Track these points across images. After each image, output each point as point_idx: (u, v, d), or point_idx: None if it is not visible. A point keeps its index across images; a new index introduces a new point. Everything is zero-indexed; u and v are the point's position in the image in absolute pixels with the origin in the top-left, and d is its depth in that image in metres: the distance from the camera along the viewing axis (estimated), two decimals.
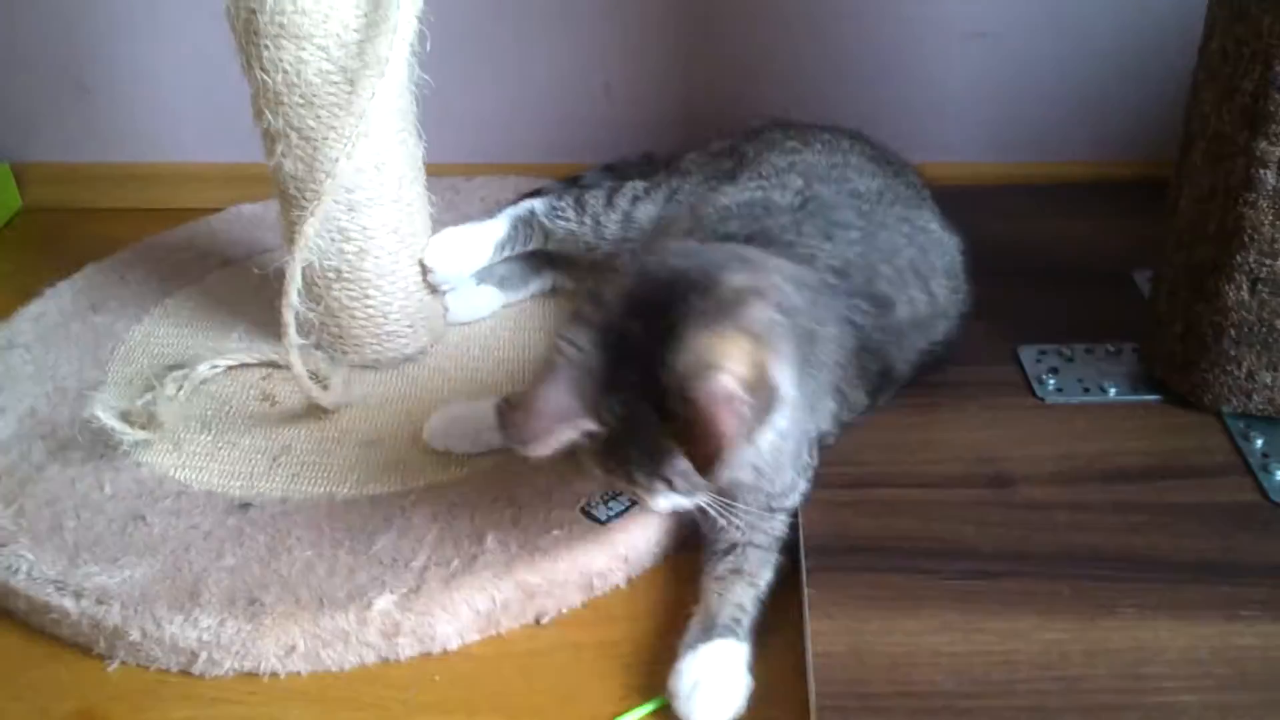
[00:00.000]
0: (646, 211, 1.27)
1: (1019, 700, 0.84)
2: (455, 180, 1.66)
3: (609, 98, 1.69)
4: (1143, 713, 0.82)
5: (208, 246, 1.53)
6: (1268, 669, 0.85)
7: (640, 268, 0.92)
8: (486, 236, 1.29)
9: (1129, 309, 1.25)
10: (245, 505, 1.07)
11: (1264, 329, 1.06)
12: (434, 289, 1.27)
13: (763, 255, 0.99)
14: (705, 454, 0.80)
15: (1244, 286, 1.05)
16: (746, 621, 0.93)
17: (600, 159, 1.56)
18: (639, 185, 1.30)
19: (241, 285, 1.39)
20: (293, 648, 0.94)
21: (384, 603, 0.95)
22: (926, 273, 1.12)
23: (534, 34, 1.65)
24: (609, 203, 1.28)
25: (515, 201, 1.36)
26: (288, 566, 0.99)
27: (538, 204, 1.31)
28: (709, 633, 0.92)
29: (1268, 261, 1.03)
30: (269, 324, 1.19)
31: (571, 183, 1.45)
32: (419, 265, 1.24)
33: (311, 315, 1.13)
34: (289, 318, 1.06)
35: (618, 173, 1.45)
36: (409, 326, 1.26)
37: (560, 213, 1.29)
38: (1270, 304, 1.05)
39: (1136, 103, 1.55)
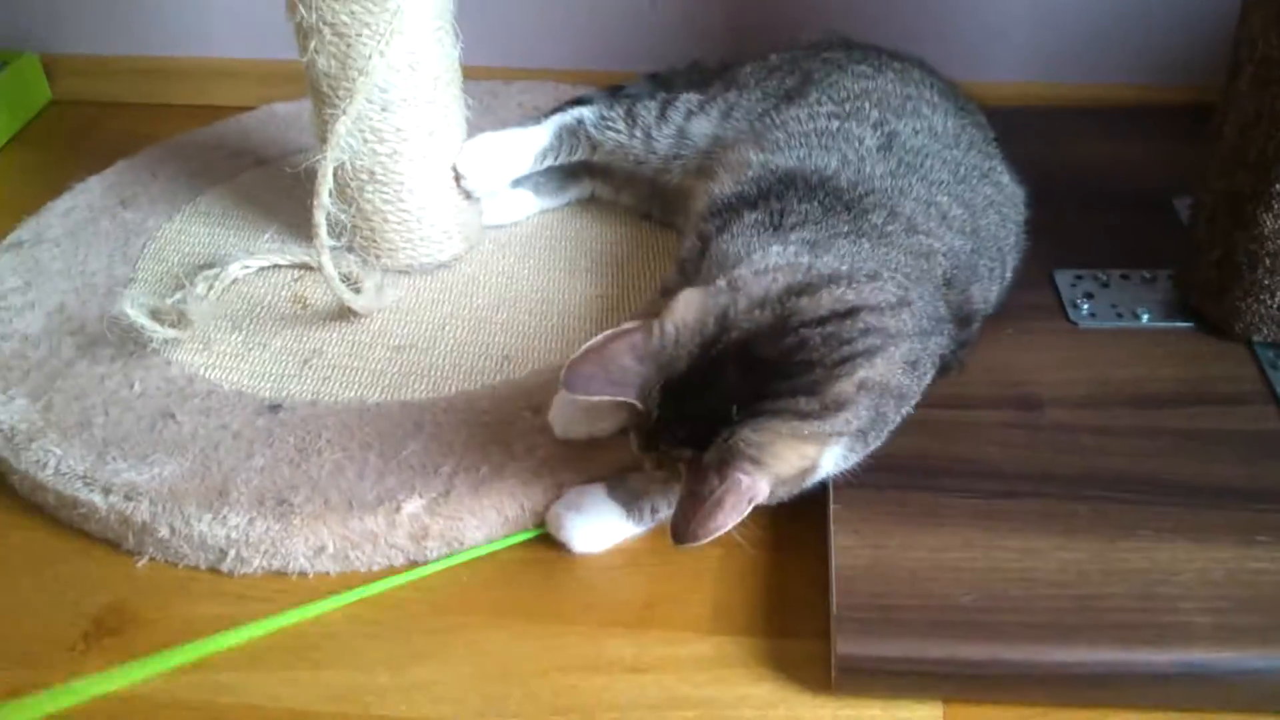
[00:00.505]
0: (701, 127, 1.23)
1: (1036, 616, 0.85)
2: (494, 84, 1.65)
3: (653, 4, 1.66)
4: (1157, 631, 0.84)
5: (240, 145, 1.52)
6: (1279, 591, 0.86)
7: (774, 323, 0.85)
8: (527, 145, 1.27)
9: (1167, 236, 1.24)
10: (275, 406, 1.08)
11: None
12: (467, 195, 1.25)
13: (901, 298, 0.90)
14: (687, 522, 0.81)
15: None
16: None
17: (643, 67, 1.54)
18: (693, 99, 1.25)
19: (275, 185, 1.39)
20: (322, 548, 0.96)
21: (413, 506, 0.96)
22: (1007, 253, 1.09)
23: None
24: (662, 115, 1.25)
25: (557, 110, 1.33)
26: (317, 468, 1.01)
27: (586, 113, 1.28)
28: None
29: None
30: (302, 225, 1.19)
31: (617, 92, 1.42)
32: (452, 171, 1.23)
33: (344, 217, 1.13)
34: (320, 219, 1.07)
35: (664, 83, 1.42)
36: (444, 232, 1.26)
37: (610, 124, 1.26)
38: None
39: (1186, 26, 1.52)
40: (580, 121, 1.27)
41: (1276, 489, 0.95)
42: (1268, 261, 1.07)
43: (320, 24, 1.11)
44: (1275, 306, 1.08)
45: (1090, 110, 1.55)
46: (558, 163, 1.30)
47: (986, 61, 1.55)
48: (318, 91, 1.16)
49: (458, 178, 1.23)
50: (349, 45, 1.11)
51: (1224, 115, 1.10)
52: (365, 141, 1.16)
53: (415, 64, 1.14)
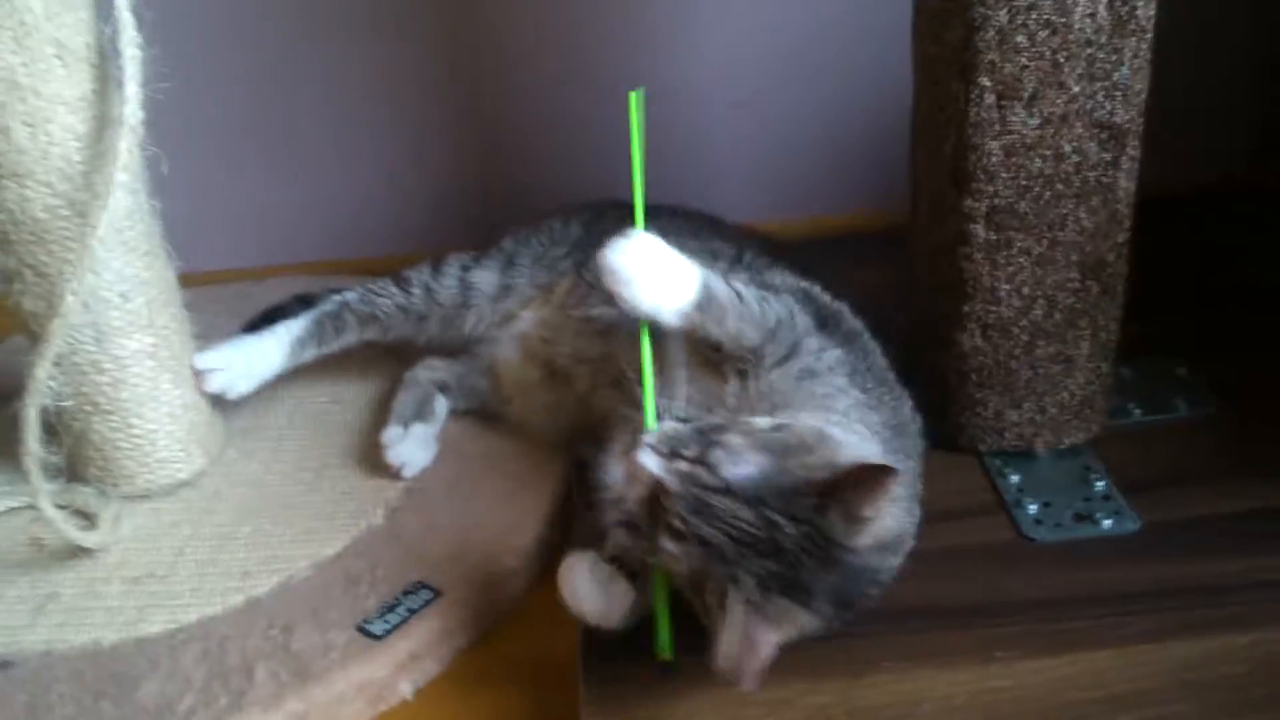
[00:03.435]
0: (485, 278, 1.26)
1: None
2: (244, 285, 1.64)
3: (392, 193, 1.70)
4: None
5: None
6: (1019, 709, 0.88)
7: None
8: (279, 338, 1.26)
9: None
10: (5, 664, 1.02)
11: (1002, 371, 1.12)
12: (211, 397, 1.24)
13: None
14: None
15: (976, 333, 1.11)
16: None
17: (393, 250, 1.61)
18: (463, 256, 1.29)
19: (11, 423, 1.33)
20: None
21: None
22: None
23: (314, 135, 1.65)
24: (436, 271, 1.27)
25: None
26: None
27: (348, 293, 1.28)
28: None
29: (993, 309, 1.09)
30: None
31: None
32: (192, 375, 1.21)
33: (55, 458, 1.09)
34: (30, 466, 1.03)
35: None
36: (180, 451, 1.22)
37: (378, 292, 1.28)
38: (1003, 347, 1.11)
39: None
40: (344, 303, 1.28)
41: (1010, 601, 0.98)
42: (974, 377, 1.13)
43: (21, 266, 1.09)
44: (991, 417, 1.14)
45: (824, 240, 1.63)
46: (323, 352, 1.29)
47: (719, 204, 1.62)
48: (29, 332, 1.13)
49: (199, 379, 1.21)
50: (53, 285, 1.09)
51: (912, 246, 1.17)
52: (84, 373, 1.14)
53: (126, 292, 1.13)
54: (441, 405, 1.29)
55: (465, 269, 1.28)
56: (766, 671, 0.80)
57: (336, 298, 1.29)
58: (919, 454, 1.01)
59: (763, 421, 0.87)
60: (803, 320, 0.99)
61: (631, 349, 0.96)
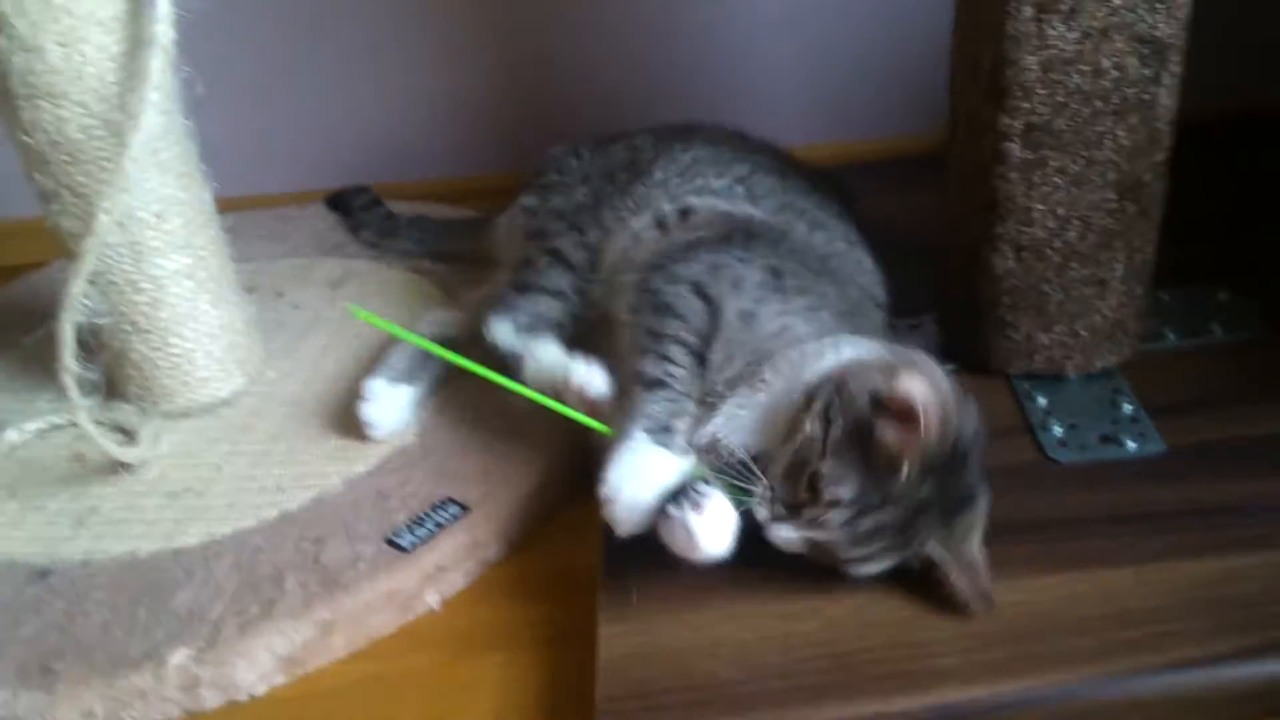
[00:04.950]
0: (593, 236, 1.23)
1: (795, 680, 0.85)
2: (286, 210, 1.67)
3: (431, 116, 1.70)
4: (911, 678, 0.85)
5: (30, 304, 1.51)
6: (1030, 621, 0.88)
7: None
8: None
9: (932, 282, 1.28)
10: (45, 573, 1.06)
11: (1034, 293, 1.10)
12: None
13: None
14: None
15: (1010, 255, 1.09)
16: None
17: (431, 173, 1.64)
18: (560, 240, 1.23)
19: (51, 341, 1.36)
20: (90, 712, 0.94)
21: (179, 658, 0.95)
22: None
23: (352, 56, 1.66)
24: (559, 259, 1.22)
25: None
26: (84, 630, 0.99)
27: (515, 319, 1.17)
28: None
29: (1026, 230, 1.07)
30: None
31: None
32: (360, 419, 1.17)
33: (93, 375, 1.11)
34: (67, 381, 1.06)
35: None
36: (220, 370, 1.25)
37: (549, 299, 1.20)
38: (1036, 269, 1.09)
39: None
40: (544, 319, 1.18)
41: (1029, 520, 0.98)
42: (1006, 300, 1.11)
43: (59, 187, 1.11)
44: (1023, 340, 1.13)
45: (864, 164, 1.61)
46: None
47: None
48: (69, 251, 1.15)
49: (365, 427, 1.17)
50: (90, 205, 1.10)
51: (949, 167, 1.15)
52: (122, 293, 1.16)
53: (160, 213, 1.15)
54: (435, 369, 1.23)
55: (579, 240, 1.23)
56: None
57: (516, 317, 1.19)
58: (877, 324, 1.07)
59: (809, 427, 0.90)
60: (710, 271, 1.02)
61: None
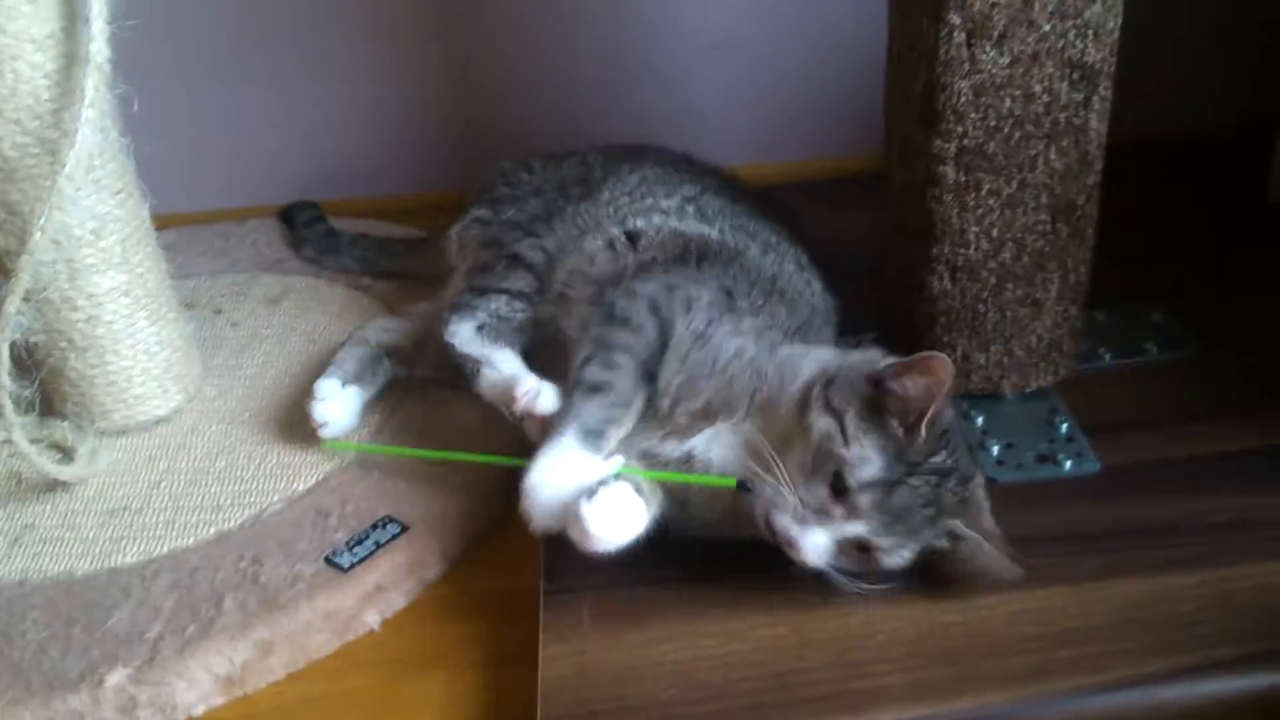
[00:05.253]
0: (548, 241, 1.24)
1: (734, 700, 0.86)
2: (226, 226, 1.66)
3: (373, 134, 1.70)
4: (850, 698, 0.85)
5: None
6: (969, 642, 0.89)
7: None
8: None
9: (874, 301, 1.29)
10: None
11: (970, 314, 1.12)
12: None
13: None
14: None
15: (945, 276, 1.11)
16: None
17: (379, 190, 1.66)
18: (518, 245, 1.23)
19: None
20: None
21: (117, 677, 0.93)
22: None
23: (292, 71, 1.65)
24: (518, 262, 1.22)
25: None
26: (20, 651, 0.97)
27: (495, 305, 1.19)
28: None
29: (961, 251, 1.09)
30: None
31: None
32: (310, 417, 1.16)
33: (27, 392, 1.10)
34: (2, 398, 1.04)
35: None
36: (157, 388, 1.24)
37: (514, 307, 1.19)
38: (971, 290, 1.11)
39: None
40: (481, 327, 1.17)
41: None
42: (942, 319, 1.13)
43: None
44: (960, 359, 1.14)
45: (811, 184, 1.63)
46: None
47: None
48: (4, 269, 1.14)
49: (316, 427, 1.16)
50: (24, 223, 1.09)
51: (886, 187, 1.17)
52: (58, 310, 1.15)
53: (97, 230, 1.13)
54: (384, 373, 1.25)
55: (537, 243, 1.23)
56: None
57: (474, 318, 1.18)
58: (829, 340, 1.10)
59: (821, 424, 0.91)
60: (665, 291, 1.03)
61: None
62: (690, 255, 1.12)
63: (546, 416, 1.02)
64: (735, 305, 1.04)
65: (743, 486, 0.92)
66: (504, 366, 1.10)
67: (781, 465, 0.91)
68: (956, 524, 0.91)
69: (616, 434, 0.96)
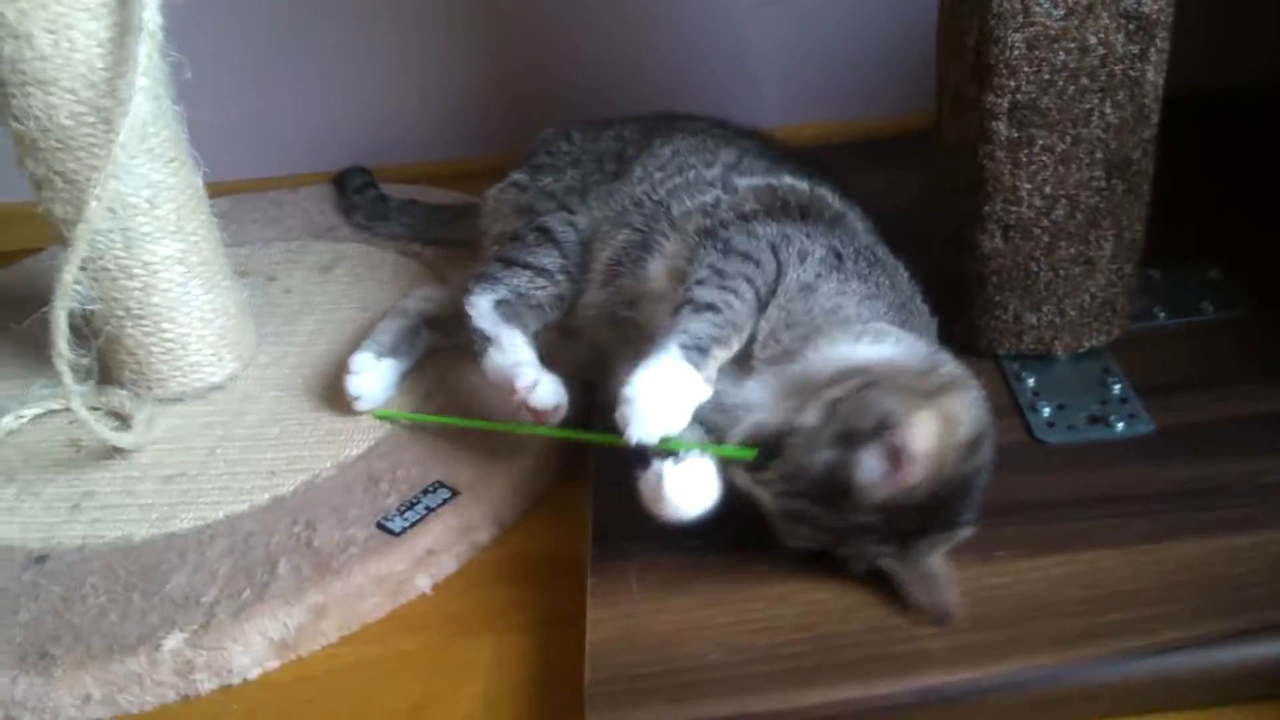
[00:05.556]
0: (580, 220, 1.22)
1: (779, 664, 0.86)
2: (279, 193, 1.67)
3: (423, 100, 1.70)
4: (894, 661, 0.85)
5: (23, 290, 1.51)
6: (1015, 605, 0.88)
7: None
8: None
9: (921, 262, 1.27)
10: (42, 558, 1.07)
11: (1021, 273, 1.10)
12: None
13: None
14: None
15: (996, 235, 1.09)
16: None
17: (417, 158, 1.63)
18: (550, 218, 1.21)
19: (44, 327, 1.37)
20: (88, 696, 0.95)
21: (174, 641, 0.96)
22: None
23: (344, 40, 1.66)
24: (548, 236, 1.20)
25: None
26: (80, 615, 1.00)
27: (497, 292, 1.16)
28: None
29: (1014, 209, 1.07)
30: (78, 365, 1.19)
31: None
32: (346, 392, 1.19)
33: (85, 361, 1.12)
34: (61, 367, 1.06)
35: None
36: (212, 356, 1.26)
37: (533, 285, 1.17)
38: (1023, 248, 1.09)
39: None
40: (500, 302, 1.15)
41: (1016, 502, 0.97)
42: (994, 279, 1.11)
43: (50, 174, 1.11)
44: (1011, 320, 1.13)
45: (863, 143, 1.60)
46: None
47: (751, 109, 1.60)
48: (62, 238, 1.16)
49: (351, 400, 1.19)
50: (81, 192, 1.11)
51: (936, 144, 1.15)
52: (114, 279, 1.17)
53: (152, 198, 1.15)
54: (422, 344, 1.26)
55: (568, 219, 1.21)
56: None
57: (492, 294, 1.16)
58: (927, 323, 1.03)
59: (811, 416, 0.89)
60: (781, 238, 1.02)
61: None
62: (791, 207, 1.10)
63: (543, 410, 1.03)
64: (844, 267, 1.01)
65: (763, 456, 0.90)
66: (511, 351, 1.09)
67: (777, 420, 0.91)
68: (882, 561, 0.89)
69: (720, 355, 0.95)
